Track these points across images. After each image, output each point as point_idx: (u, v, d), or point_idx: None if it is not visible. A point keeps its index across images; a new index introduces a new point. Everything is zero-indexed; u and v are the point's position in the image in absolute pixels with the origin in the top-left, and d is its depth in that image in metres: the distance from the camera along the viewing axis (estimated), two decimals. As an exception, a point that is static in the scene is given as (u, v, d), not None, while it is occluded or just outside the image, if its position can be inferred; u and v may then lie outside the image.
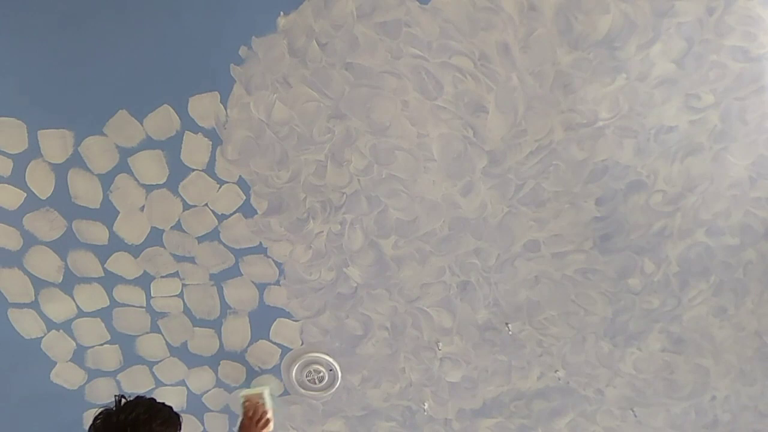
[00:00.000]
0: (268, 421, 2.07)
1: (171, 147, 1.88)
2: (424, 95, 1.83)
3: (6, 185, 1.89)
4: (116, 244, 2.00)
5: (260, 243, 2.04)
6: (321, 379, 2.28)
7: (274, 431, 2.19)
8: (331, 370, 2.27)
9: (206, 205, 1.97)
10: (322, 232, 2.03)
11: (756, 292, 2.20)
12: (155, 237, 2.00)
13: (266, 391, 2.16)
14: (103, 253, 2.01)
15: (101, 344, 2.15)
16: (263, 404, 2.11)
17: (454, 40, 1.75)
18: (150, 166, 1.90)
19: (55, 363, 2.17)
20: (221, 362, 2.24)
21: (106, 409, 1.49)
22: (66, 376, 2.19)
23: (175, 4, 1.69)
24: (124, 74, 1.77)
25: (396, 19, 1.73)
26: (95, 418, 1.47)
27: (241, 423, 2.07)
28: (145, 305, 2.11)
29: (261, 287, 2.11)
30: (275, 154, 1.91)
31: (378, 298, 2.14)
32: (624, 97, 1.84)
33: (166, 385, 2.27)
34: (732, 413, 2.46)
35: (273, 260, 2.07)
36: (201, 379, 2.27)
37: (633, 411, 2.44)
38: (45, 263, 2.00)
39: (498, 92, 1.83)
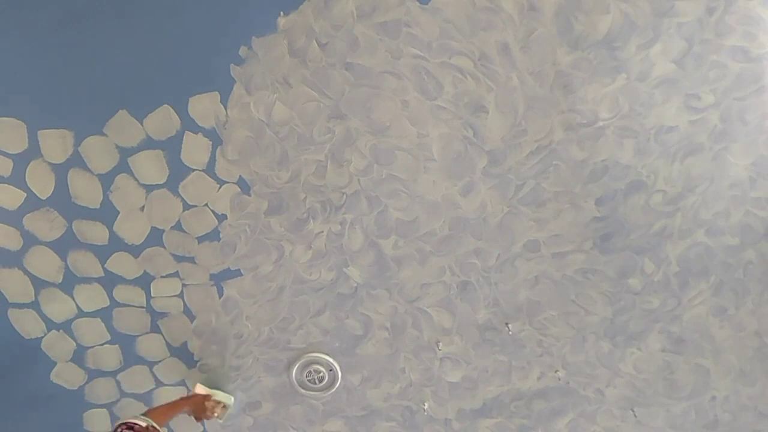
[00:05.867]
0: (200, 419, 2.08)
1: (171, 147, 1.88)
2: (424, 95, 1.83)
3: (6, 185, 1.89)
4: (116, 244, 2.00)
5: (260, 243, 2.04)
6: (321, 379, 2.28)
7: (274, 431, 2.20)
8: (331, 370, 2.27)
9: (206, 205, 1.97)
10: (322, 232, 2.03)
11: (756, 292, 2.20)
12: (155, 237, 2.00)
13: (231, 403, 2.21)
14: (103, 253, 2.01)
15: (101, 344, 2.15)
16: (216, 411, 2.11)
17: (454, 40, 1.75)
18: (150, 166, 1.90)
19: (55, 363, 2.17)
20: (221, 362, 2.25)
21: None
22: (66, 376, 2.19)
23: (175, 4, 1.69)
24: (124, 74, 1.77)
25: (396, 19, 1.74)
26: None
27: (188, 401, 2.02)
28: (145, 305, 2.11)
29: (261, 287, 2.11)
30: (275, 154, 1.91)
31: (378, 298, 2.15)
32: (624, 97, 1.84)
33: (166, 385, 2.27)
34: (732, 413, 2.46)
35: (273, 260, 2.07)
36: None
37: (633, 411, 2.44)
38: (45, 263, 2.01)
39: (498, 92, 1.83)
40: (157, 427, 1.47)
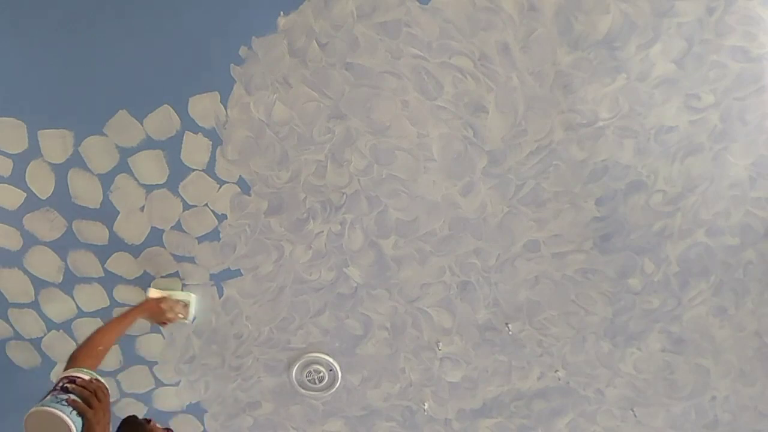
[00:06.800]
0: (162, 324, 1.99)
1: (171, 147, 1.87)
2: (424, 95, 1.83)
3: (6, 185, 1.89)
4: (116, 244, 2.00)
5: (260, 243, 2.04)
6: (321, 379, 2.28)
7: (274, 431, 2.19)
8: (331, 370, 2.27)
9: (206, 205, 1.97)
10: (322, 232, 2.03)
11: (756, 292, 2.20)
12: (155, 237, 2.00)
13: (191, 300, 2.07)
14: (103, 253, 2.01)
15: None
16: (177, 310, 2.00)
17: (454, 40, 1.75)
18: (150, 166, 1.90)
19: (55, 363, 2.17)
20: (221, 362, 2.25)
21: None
22: (66, 376, 2.19)
23: (176, 4, 1.69)
24: (124, 74, 1.77)
25: (396, 19, 1.73)
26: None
27: (140, 308, 1.92)
28: (145, 305, 2.11)
29: (261, 287, 2.11)
30: (275, 154, 1.91)
31: (378, 298, 2.15)
32: (624, 97, 1.84)
33: (166, 385, 2.28)
34: (732, 413, 2.46)
35: (273, 260, 2.07)
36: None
37: (633, 411, 2.44)
38: (45, 263, 2.00)
39: (498, 92, 1.83)
40: (100, 379, 1.43)
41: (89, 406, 1.30)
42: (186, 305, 2.05)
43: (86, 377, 1.39)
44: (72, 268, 2.02)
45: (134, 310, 1.88)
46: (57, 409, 1.26)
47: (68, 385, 1.34)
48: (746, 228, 2.08)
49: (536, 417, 2.44)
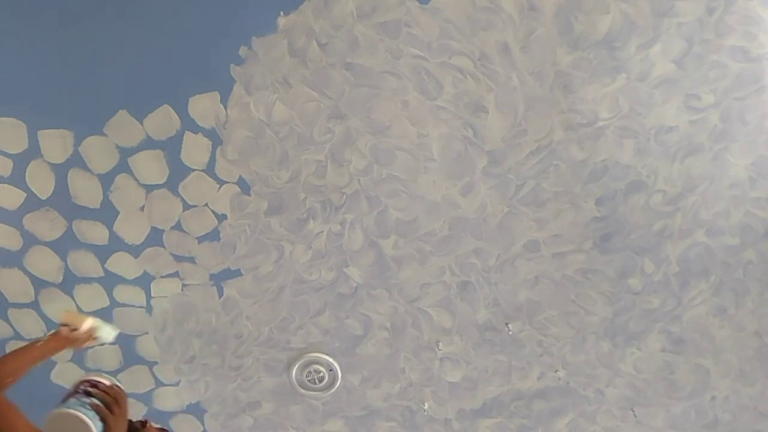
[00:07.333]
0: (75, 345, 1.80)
1: (171, 147, 1.87)
2: (424, 95, 1.83)
3: (6, 185, 1.89)
4: (116, 244, 2.00)
5: (260, 243, 2.04)
6: (321, 379, 2.28)
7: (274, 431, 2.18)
8: (331, 370, 2.27)
9: (206, 205, 1.97)
10: (322, 232, 2.03)
11: (756, 292, 2.20)
12: (155, 237, 2.00)
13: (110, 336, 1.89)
14: (103, 253, 2.01)
15: (101, 344, 2.15)
16: (92, 338, 1.82)
17: (454, 40, 1.75)
18: (150, 166, 1.90)
19: (55, 363, 2.17)
20: (221, 362, 2.24)
21: None
22: (66, 376, 2.19)
23: (176, 4, 1.69)
24: (124, 74, 1.76)
25: (396, 19, 1.73)
26: None
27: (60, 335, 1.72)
28: (145, 305, 2.11)
29: (261, 287, 2.11)
30: (275, 154, 1.91)
31: (378, 298, 2.15)
32: (624, 97, 1.84)
33: (166, 385, 2.28)
34: (732, 413, 2.46)
35: (273, 260, 2.07)
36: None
37: (633, 411, 2.44)
38: (45, 263, 2.00)
39: (498, 92, 1.83)
40: (120, 386, 1.42)
41: (111, 411, 1.31)
42: (93, 329, 1.85)
43: (107, 383, 1.40)
44: (72, 268, 2.02)
45: (43, 345, 1.67)
46: (81, 412, 1.26)
47: (91, 389, 1.35)
48: (746, 228, 2.08)
49: (536, 417, 2.44)
